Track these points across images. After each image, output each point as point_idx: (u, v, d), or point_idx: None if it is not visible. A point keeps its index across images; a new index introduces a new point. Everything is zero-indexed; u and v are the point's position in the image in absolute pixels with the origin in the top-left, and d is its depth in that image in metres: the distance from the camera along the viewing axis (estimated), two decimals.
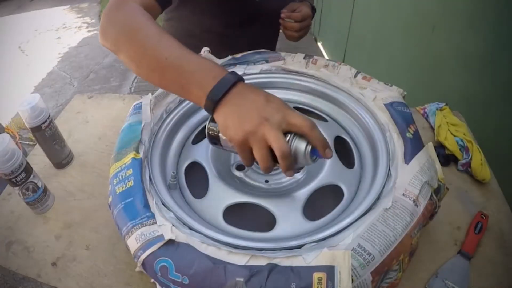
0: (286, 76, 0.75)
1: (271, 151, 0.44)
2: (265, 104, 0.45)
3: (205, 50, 0.73)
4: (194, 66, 0.48)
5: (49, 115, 0.74)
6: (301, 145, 0.45)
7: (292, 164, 0.45)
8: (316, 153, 0.44)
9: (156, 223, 0.49)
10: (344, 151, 0.66)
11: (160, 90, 0.70)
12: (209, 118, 0.51)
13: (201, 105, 0.47)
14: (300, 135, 0.45)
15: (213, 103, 0.46)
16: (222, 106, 0.46)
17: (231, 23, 0.82)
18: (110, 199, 0.54)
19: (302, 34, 0.88)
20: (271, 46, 1.00)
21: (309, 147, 0.45)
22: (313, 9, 0.92)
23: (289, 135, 0.45)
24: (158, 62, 0.49)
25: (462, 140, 0.78)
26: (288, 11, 0.85)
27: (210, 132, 0.51)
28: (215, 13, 0.77)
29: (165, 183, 0.59)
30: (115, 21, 0.54)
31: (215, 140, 0.52)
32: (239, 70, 0.74)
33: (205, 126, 0.52)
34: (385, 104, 0.64)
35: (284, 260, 0.44)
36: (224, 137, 0.49)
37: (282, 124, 0.44)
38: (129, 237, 0.49)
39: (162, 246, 0.46)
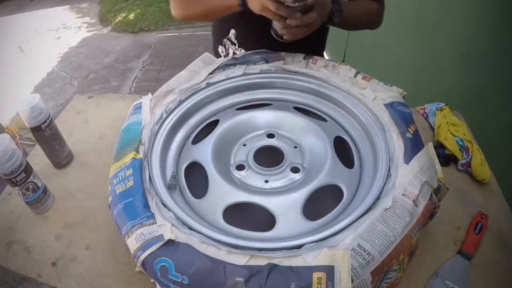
0: (286, 76, 0.75)
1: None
2: None
3: (232, 33, 0.87)
4: None
5: (49, 115, 0.74)
6: None
7: None
8: None
9: (156, 223, 0.49)
10: (344, 151, 0.66)
11: (160, 90, 0.70)
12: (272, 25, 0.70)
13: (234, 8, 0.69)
14: None
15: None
16: None
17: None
18: (110, 199, 0.54)
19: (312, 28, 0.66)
20: (320, 45, 0.94)
21: None
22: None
23: None
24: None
25: (462, 140, 0.78)
26: None
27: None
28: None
29: (165, 183, 0.59)
30: None
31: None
32: (239, 70, 0.74)
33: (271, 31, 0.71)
34: (385, 104, 0.64)
35: (284, 260, 0.44)
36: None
37: None
38: (129, 237, 0.49)
39: (161, 246, 0.46)
